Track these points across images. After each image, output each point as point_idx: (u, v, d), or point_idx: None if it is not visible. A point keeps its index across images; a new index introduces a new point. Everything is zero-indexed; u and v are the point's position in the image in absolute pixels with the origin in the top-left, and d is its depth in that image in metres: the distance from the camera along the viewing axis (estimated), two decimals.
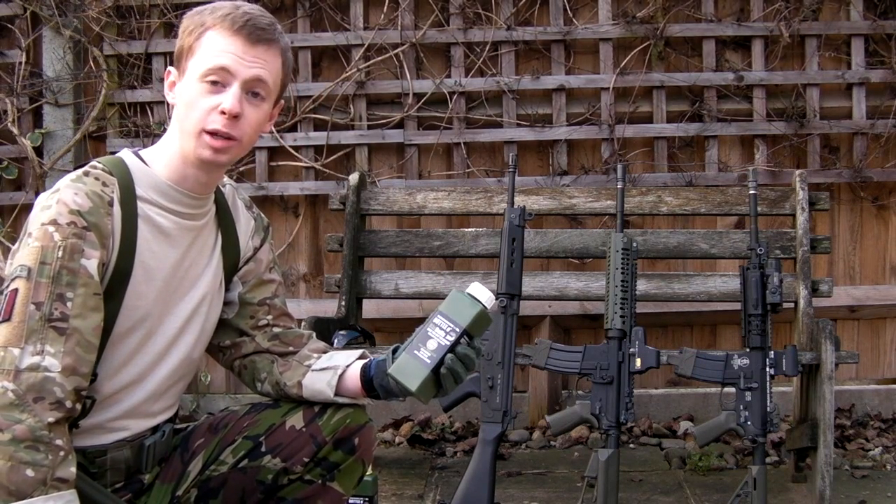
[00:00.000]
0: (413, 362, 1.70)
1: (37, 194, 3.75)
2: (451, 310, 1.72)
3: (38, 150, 3.92)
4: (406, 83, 3.88)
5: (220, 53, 1.70)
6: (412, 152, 3.93)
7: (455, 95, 3.86)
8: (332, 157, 3.91)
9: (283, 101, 1.87)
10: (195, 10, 1.76)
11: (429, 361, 1.69)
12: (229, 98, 1.70)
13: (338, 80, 3.88)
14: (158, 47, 3.92)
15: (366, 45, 3.87)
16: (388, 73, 3.93)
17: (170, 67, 1.79)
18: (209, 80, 1.70)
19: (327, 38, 3.91)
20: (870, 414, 3.82)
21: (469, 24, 3.89)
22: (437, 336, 1.70)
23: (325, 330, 3.07)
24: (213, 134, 1.71)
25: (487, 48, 3.86)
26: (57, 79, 3.92)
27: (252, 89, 1.73)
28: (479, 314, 1.71)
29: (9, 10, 3.95)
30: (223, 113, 1.70)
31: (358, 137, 3.91)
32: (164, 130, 1.82)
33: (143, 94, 3.94)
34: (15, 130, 3.88)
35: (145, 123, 3.93)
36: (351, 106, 3.91)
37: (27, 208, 3.83)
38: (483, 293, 1.73)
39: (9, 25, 3.98)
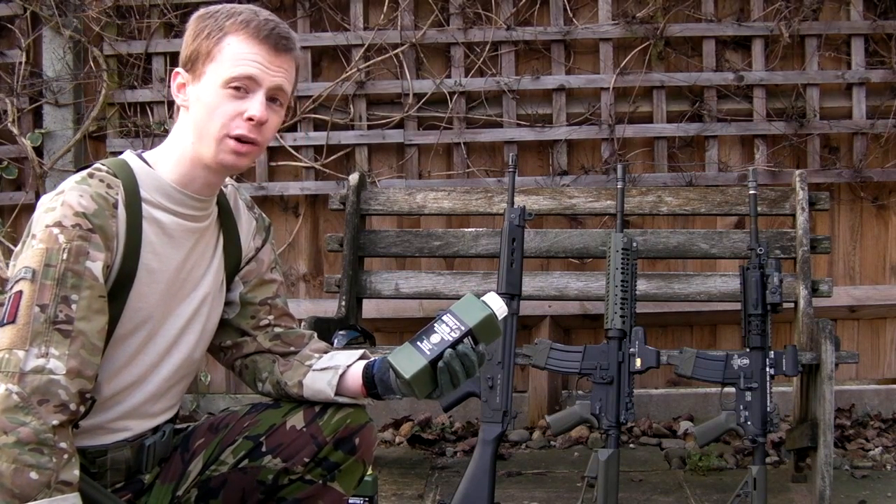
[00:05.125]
0: (412, 352, 1.72)
1: (37, 194, 3.80)
2: (460, 310, 1.74)
3: (38, 150, 3.92)
4: (406, 83, 3.88)
5: (246, 62, 1.71)
6: (412, 152, 3.93)
7: (455, 95, 3.87)
8: (332, 157, 3.92)
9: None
10: (205, 12, 1.76)
11: (428, 353, 1.71)
12: (256, 105, 1.71)
13: (338, 80, 3.88)
14: (158, 47, 3.92)
15: (366, 45, 3.87)
16: (388, 73, 3.93)
17: (178, 69, 1.78)
18: (233, 86, 1.71)
19: (327, 38, 3.92)
20: (870, 414, 3.82)
21: (469, 24, 3.89)
22: (441, 332, 1.72)
23: (325, 330, 3.07)
24: (237, 139, 1.72)
25: (487, 48, 3.86)
26: (57, 79, 3.92)
27: (273, 96, 1.75)
28: (487, 318, 1.72)
29: (9, 10, 3.95)
30: (249, 119, 1.71)
31: (358, 137, 3.91)
32: (165, 131, 1.82)
33: (143, 94, 3.93)
34: (15, 130, 3.88)
35: (145, 123, 3.93)
36: (351, 106, 3.91)
37: (27, 208, 3.87)
38: (496, 302, 1.75)
39: (9, 25, 3.98)
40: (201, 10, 1.77)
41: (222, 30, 1.72)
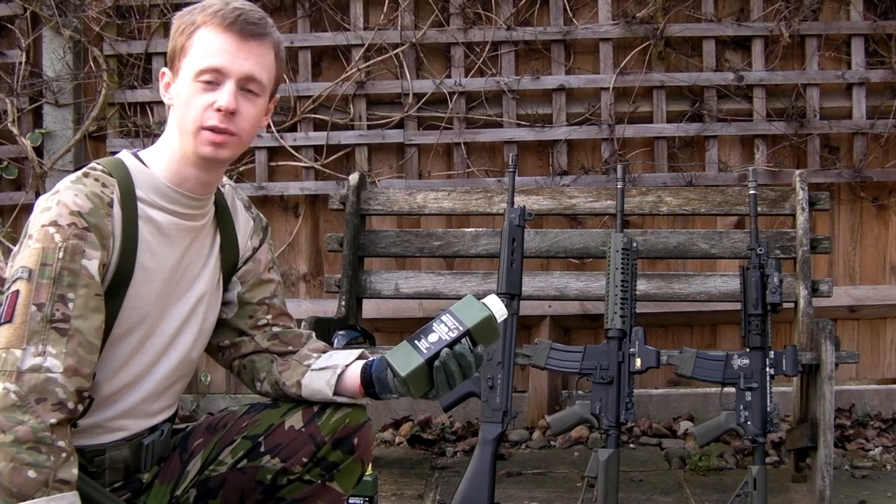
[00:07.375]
0: (409, 350, 1.72)
1: (37, 194, 3.80)
2: (459, 310, 1.74)
3: (38, 150, 3.92)
4: (406, 83, 3.88)
5: (212, 53, 1.70)
6: (412, 152, 3.93)
7: (455, 95, 3.86)
8: (332, 157, 3.91)
9: (278, 96, 1.87)
10: (186, 9, 1.76)
11: (425, 352, 1.71)
12: (224, 95, 1.70)
13: (338, 80, 3.88)
14: (158, 47, 3.92)
15: (366, 45, 3.87)
16: (388, 73, 3.93)
17: (164, 69, 1.79)
18: (203, 79, 1.71)
19: (327, 38, 3.91)
20: (870, 414, 3.82)
21: (469, 24, 3.89)
22: (439, 331, 1.72)
23: (325, 330, 3.07)
24: (211, 130, 1.71)
25: (487, 48, 3.86)
26: (57, 79, 3.93)
27: (246, 86, 1.73)
28: (485, 319, 1.72)
29: (9, 10, 3.95)
30: (219, 110, 1.70)
31: (358, 137, 3.91)
32: (164, 131, 1.82)
33: (143, 94, 3.94)
34: (15, 130, 3.88)
35: (145, 123, 3.93)
36: (351, 106, 3.91)
37: (27, 208, 3.86)
38: (496, 304, 1.75)
39: (9, 25, 3.98)
40: (183, 9, 1.78)
41: (194, 24, 1.73)
